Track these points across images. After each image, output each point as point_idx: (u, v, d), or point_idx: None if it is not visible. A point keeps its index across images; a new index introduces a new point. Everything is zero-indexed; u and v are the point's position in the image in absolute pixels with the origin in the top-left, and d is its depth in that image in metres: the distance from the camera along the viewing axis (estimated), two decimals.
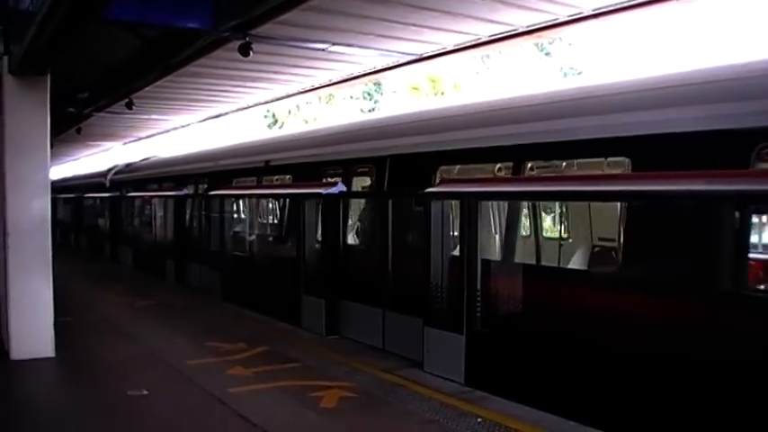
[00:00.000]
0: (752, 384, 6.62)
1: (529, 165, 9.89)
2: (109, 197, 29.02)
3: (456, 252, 10.09)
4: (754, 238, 7.99)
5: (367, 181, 13.43)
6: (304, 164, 14.89)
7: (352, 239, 13.53)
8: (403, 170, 11.96)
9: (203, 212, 19.85)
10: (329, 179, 13.66)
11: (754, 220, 8.03)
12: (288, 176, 15.79)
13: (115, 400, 9.08)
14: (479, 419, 8.10)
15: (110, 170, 29.30)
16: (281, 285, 14.70)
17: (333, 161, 13.96)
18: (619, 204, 9.12)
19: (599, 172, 9.26)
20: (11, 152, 11.21)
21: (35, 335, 11.11)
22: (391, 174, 12.02)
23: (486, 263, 9.74)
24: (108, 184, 28.47)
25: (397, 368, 10.46)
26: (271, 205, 17.64)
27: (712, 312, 7.17)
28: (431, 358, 10.19)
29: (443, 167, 11.25)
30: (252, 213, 17.48)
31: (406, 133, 12.30)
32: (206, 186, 19.61)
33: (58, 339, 11.28)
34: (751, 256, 7.54)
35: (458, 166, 11.45)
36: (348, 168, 13.38)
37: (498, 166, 10.75)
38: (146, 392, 9.35)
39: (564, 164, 10.05)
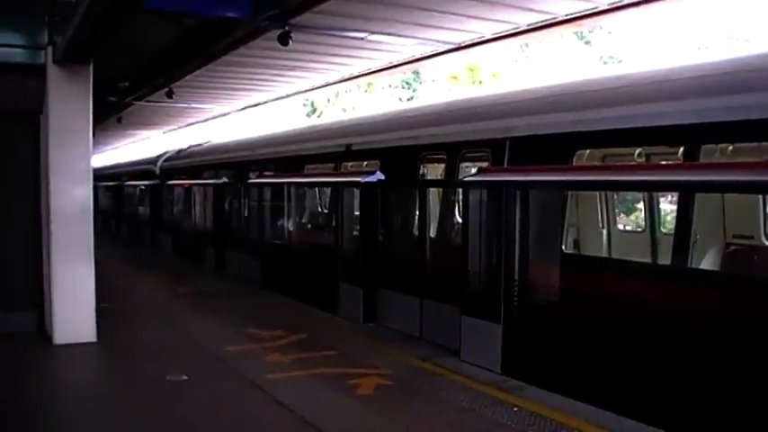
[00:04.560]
0: None
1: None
2: (150, 185, 29.24)
3: (494, 241, 10.04)
4: None
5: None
6: (397, 148, 12.97)
7: (390, 227, 13.45)
8: (528, 154, 9.99)
9: (243, 200, 19.98)
10: (428, 165, 12.73)
11: None
12: (376, 162, 13.67)
13: (155, 385, 9.24)
14: (515, 408, 8.10)
15: (159, 157, 29.29)
16: (319, 273, 14.77)
17: (434, 144, 12.21)
18: None
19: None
20: (54, 140, 11.39)
21: (78, 320, 11.30)
22: (512, 159, 10.17)
23: (524, 252, 9.66)
24: (158, 171, 28.46)
25: (433, 356, 10.49)
26: (310, 193, 17.66)
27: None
28: (467, 347, 10.19)
29: (580, 152, 9.55)
30: (291, 201, 17.49)
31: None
32: (272, 173, 18.58)
33: (100, 324, 11.48)
34: None
35: (603, 150, 10.07)
36: (454, 153, 11.61)
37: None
38: (185, 377, 9.48)
39: None
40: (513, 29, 12.98)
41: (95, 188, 14.46)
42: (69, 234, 11.33)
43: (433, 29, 13.11)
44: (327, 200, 16.57)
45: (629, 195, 12.72)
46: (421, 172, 12.61)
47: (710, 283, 8.29)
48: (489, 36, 13.56)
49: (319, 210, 17.63)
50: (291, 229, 17.46)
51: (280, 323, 12.73)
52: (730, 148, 8.06)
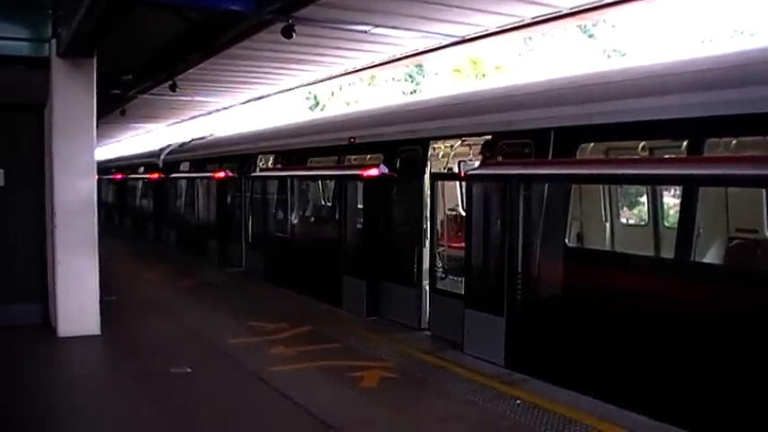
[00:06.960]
0: None
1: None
2: (153, 178, 29.23)
3: (497, 234, 10.04)
4: None
5: None
6: (402, 141, 12.78)
7: (392, 220, 13.43)
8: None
9: (246, 194, 19.98)
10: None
11: None
12: (379, 155, 13.50)
13: (159, 377, 9.27)
14: (518, 401, 8.13)
15: (163, 150, 29.31)
16: (322, 266, 14.78)
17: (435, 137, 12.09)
18: None
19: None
20: (58, 133, 11.42)
21: (82, 313, 11.35)
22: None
23: (528, 245, 9.66)
24: (161, 164, 28.49)
25: (437, 350, 10.52)
26: (314, 186, 17.65)
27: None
28: (471, 340, 10.21)
29: (584, 145, 9.38)
30: (294, 194, 17.49)
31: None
32: (280, 166, 18.46)
33: (104, 317, 11.51)
34: None
35: (605, 144, 9.83)
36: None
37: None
38: (189, 370, 9.52)
39: None
40: (518, 22, 12.94)
41: (99, 181, 14.48)
42: (73, 227, 11.36)
43: (436, 22, 13.08)
44: (331, 193, 16.57)
45: (633, 189, 12.70)
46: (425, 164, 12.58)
47: (714, 276, 8.29)
48: (493, 29, 13.51)
49: (323, 203, 17.63)
50: (295, 222, 17.46)
51: (283, 316, 12.75)
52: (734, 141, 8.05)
